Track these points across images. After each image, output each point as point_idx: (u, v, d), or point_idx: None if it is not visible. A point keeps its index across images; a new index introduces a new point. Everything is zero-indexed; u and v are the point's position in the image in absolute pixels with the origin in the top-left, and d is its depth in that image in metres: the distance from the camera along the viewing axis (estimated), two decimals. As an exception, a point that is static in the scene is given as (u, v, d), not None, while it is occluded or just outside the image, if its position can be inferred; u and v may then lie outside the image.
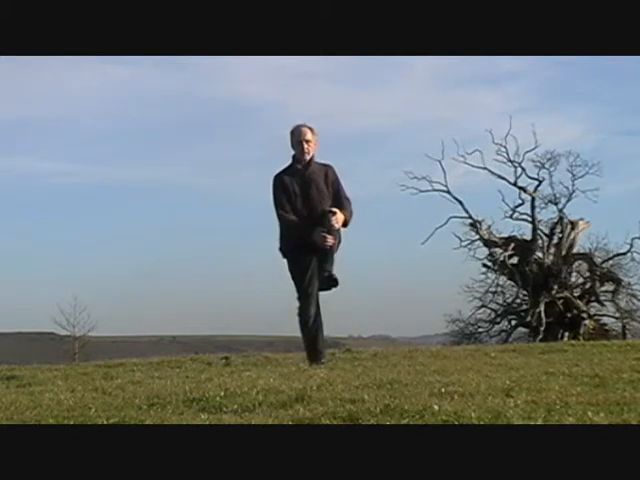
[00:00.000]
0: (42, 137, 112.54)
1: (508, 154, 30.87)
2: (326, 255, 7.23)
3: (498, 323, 32.29)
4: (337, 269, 7.30)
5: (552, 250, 31.17)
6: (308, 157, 7.34)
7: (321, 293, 7.37)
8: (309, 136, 7.34)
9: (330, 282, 7.24)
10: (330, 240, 7.10)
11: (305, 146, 7.32)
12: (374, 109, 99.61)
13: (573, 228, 31.07)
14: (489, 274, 31.92)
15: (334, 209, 7.16)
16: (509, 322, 32.26)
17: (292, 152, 7.43)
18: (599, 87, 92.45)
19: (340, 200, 7.33)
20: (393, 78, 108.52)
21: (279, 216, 7.29)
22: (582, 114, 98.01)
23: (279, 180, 7.33)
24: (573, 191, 31.22)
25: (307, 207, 7.23)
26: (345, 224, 7.27)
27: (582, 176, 31.04)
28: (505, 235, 31.38)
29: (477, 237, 31.33)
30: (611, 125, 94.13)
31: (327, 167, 7.41)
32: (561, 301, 30.49)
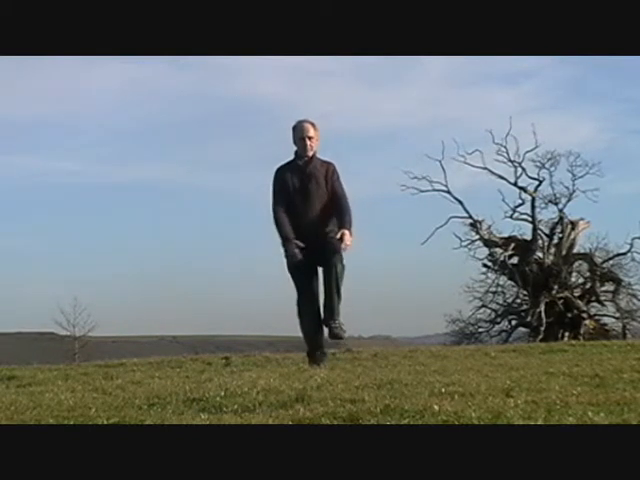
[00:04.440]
0: (45, 137, 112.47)
1: (508, 154, 30.89)
2: (331, 287, 7.18)
3: (498, 323, 32.28)
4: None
5: (552, 250, 31.15)
6: (310, 153, 7.31)
7: (321, 293, 7.36)
8: (311, 132, 7.30)
9: (336, 338, 7.24)
10: (298, 256, 7.06)
11: (307, 142, 7.28)
12: (389, 108, 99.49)
13: (573, 228, 31.05)
14: (489, 274, 31.93)
15: (341, 234, 7.06)
16: (509, 322, 32.25)
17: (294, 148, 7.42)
18: (613, 86, 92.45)
19: (339, 199, 7.25)
20: (408, 77, 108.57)
21: (274, 211, 7.23)
22: (595, 113, 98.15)
23: (280, 173, 7.31)
24: (573, 191, 31.23)
25: (306, 203, 7.21)
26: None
27: (582, 176, 31.07)
28: (505, 235, 31.36)
29: (477, 237, 31.32)
30: (624, 124, 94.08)
31: (328, 164, 7.37)
32: (561, 301, 30.48)
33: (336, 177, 7.34)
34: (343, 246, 7.06)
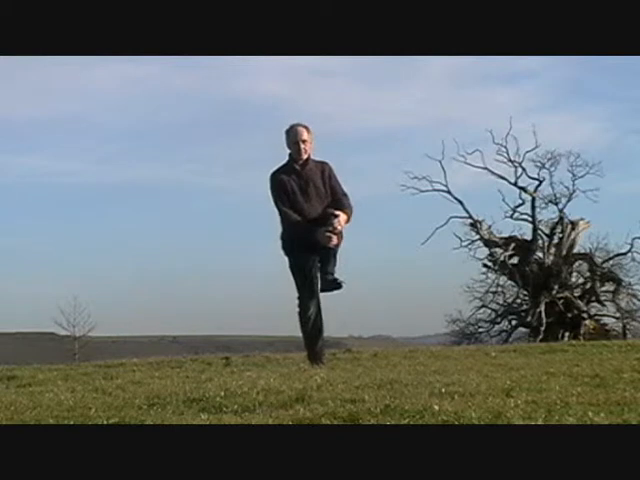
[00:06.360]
0: (45, 137, 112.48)
1: (508, 154, 30.89)
2: (328, 256, 7.21)
3: (498, 323, 32.30)
4: (338, 268, 7.31)
5: (552, 250, 31.16)
6: (305, 157, 7.30)
7: (322, 294, 7.37)
8: (305, 136, 7.29)
9: (334, 285, 7.24)
10: (335, 240, 7.08)
11: (302, 146, 7.26)
12: (389, 108, 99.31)
13: (573, 228, 31.06)
14: (489, 274, 31.94)
15: (337, 212, 7.13)
16: (509, 322, 32.27)
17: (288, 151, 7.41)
18: (613, 86, 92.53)
19: (338, 197, 7.29)
20: (409, 77, 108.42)
21: (282, 213, 7.21)
22: (596, 113, 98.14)
23: (277, 178, 7.30)
24: (573, 191, 31.24)
25: (306, 205, 7.21)
26: (347, 221, 7.26)
27: (582, 176, 31.07)
28: (505, 235, 31.37)
29: (477, 237, 31.32)
30: (624, 124, 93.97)
31: (323, 164, 7.38)
32: (561, 301, 30.49)
33: (333, 176, 7.36)
34: (336, 223, 7.08)
